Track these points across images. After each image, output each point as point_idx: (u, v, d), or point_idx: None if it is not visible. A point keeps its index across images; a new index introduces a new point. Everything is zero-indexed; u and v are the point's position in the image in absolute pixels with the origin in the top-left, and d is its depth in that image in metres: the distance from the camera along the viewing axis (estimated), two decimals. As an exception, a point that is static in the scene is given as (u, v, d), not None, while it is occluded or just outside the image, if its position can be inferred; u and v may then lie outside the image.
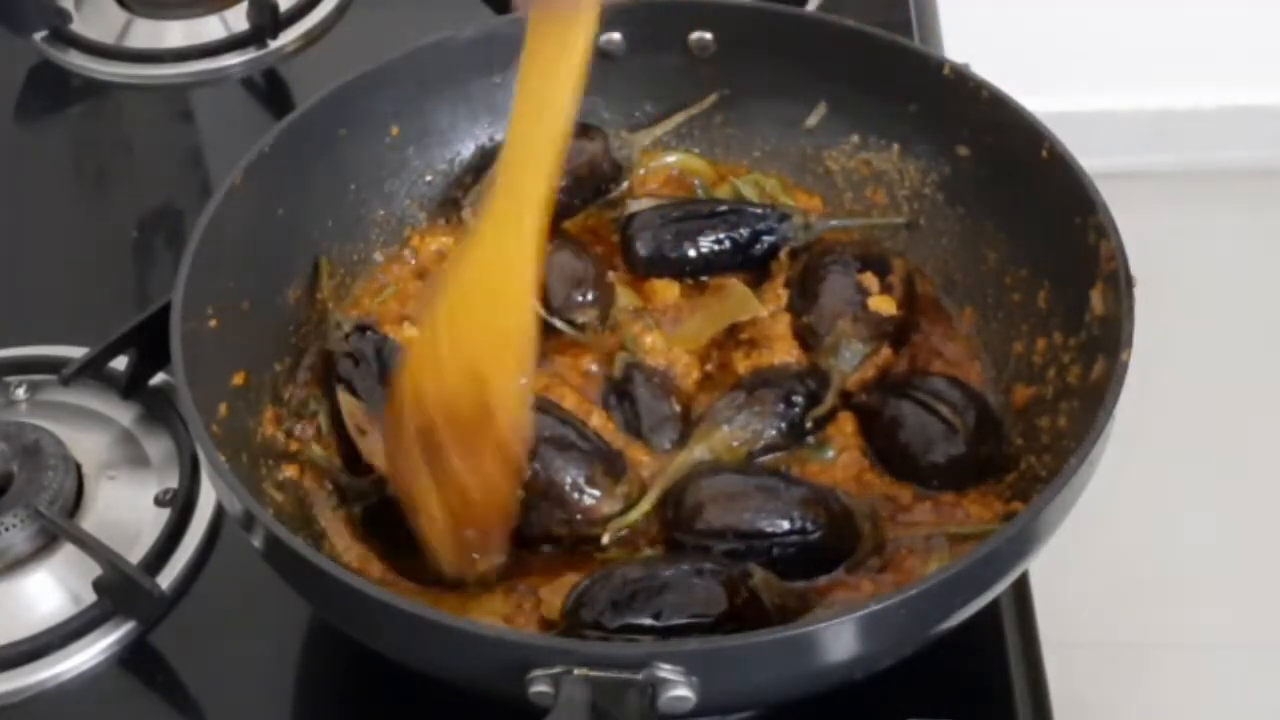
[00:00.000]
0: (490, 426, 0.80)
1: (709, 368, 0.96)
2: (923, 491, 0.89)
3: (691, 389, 0.95)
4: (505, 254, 0.80)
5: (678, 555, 0.84)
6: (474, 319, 0.81)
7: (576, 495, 0.86)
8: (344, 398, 0.91)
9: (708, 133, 1.07)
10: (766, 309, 0.97)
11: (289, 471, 0.90)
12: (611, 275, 1.00)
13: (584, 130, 1.03)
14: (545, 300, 0.96)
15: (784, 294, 0.98)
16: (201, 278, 0.87)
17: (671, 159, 1.07)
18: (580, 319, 0.97)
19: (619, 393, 0.93)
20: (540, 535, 0.86)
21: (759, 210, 1.02)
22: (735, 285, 0.99)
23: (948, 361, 0.96)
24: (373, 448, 0.89)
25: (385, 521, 0.87)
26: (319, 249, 0.99)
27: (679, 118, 1.06)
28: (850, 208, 1.04)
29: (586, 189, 1.04)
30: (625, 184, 1.06)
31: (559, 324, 0.96)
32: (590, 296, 0.98)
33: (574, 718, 0.67)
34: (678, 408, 0.93)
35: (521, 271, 0.80)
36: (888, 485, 0.89)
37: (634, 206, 1.03)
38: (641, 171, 1.07)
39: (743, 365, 0.95)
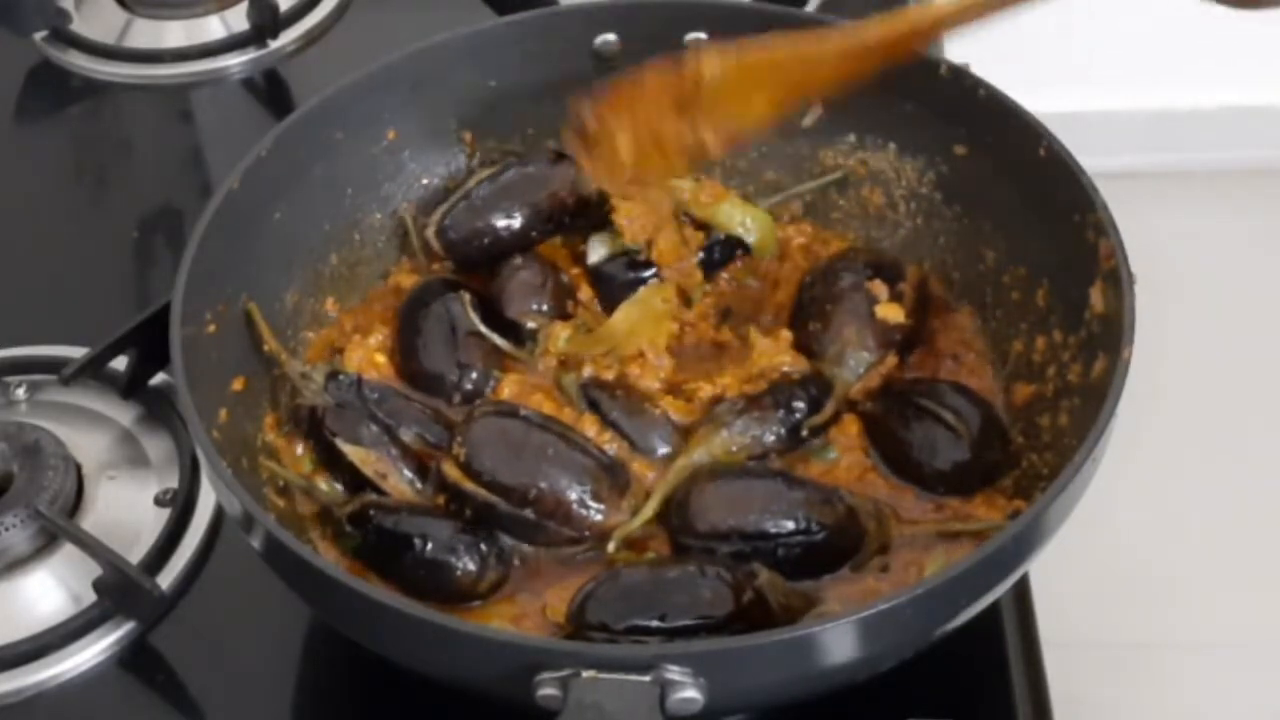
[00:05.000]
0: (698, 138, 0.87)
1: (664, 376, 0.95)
2: (927, 496, 0.89)
3: (656, 393, 0.94)
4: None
5: (683, 557, 0.84)
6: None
7: (584, 512, 0.86)
8: (351, 450, 0.88)
9: (704, 134, 1.07)
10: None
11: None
12: (571, 306, 0.99)
13: (557, 157, 1.01)
14: (499, 310, 0.97)
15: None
16: (199, 284, 0.87)
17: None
18: (531, 324, 0.96)
19: (599, 416, 0.92)
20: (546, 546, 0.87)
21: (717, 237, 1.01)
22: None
23: (955, 368, 0.96)
24: (399, 486, 0.88)
25: (377, 554, 0.86)
26: (315, 253, 0.99)
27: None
28: (847, 208, 1.04)
29: (541, 221, 1.00)
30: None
31: (498, 340, 0.95)
32: (545, 307, 0.97)
33: None
34: (657, 411, 0.92)
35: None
36: (891, 486, 0.89)
37: (594, 250, 1.00)
38: None
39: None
